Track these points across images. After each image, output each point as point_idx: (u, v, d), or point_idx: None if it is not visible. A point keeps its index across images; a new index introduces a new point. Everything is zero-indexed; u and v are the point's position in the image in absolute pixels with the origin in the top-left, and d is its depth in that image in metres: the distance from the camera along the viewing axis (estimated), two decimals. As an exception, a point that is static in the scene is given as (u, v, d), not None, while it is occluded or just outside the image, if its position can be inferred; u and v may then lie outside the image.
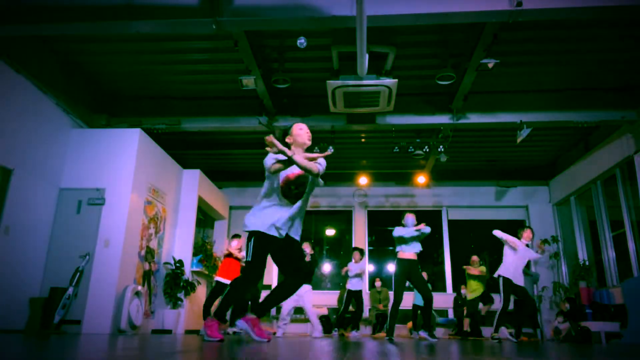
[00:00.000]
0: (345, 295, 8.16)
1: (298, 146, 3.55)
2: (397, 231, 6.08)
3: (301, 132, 3.60)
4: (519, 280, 6.33)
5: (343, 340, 5.55)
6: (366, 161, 10.20)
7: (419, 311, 7.89)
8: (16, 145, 5.92)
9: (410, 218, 6.20)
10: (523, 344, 5.19)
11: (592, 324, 7.46)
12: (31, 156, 6.19)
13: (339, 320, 8.39)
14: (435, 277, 10.47)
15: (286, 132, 3.65)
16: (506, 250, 6.47)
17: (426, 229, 6.07)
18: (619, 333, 7.05)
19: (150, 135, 7.52)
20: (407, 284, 6.16)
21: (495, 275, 6.46)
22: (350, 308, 8.50)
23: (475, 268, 8.59)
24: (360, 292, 8.07)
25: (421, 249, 6.11)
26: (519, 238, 6.48)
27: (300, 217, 3.54)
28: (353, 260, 8.18)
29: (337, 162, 10.02)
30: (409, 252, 6.01)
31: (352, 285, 8.03)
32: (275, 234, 3.38)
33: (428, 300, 5.99)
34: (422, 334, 6.55)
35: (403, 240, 6.05)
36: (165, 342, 3.51)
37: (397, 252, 6.10)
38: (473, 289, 8.55)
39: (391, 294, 6.46)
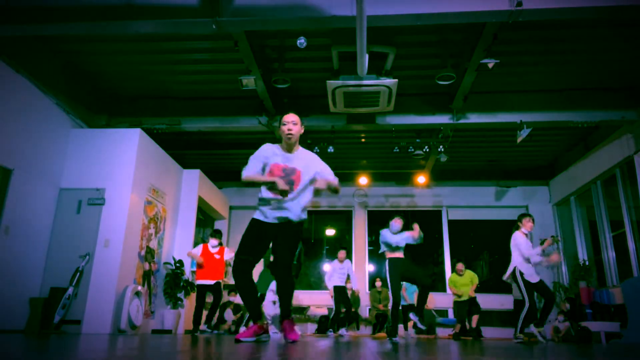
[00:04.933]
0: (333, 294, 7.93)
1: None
2: (385, 236, 5.71)
3: (283, 127, 3.60)
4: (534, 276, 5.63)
5: (340, 340, 5.55)
6: (366, 161, 10.20)
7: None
8: (16, 145, 5.92)
9: (396, 224, 5.75)
10: (523, 344, 5.18)
11: (592, 324, 7.46)
12: (31, 156, 6.19)
13: (334, 321, 8.27)
14: (435, 277, 10.47)
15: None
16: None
17: (414, 235, 5.64)
18: (619, 333, 7.05)
19: (150, 135, 7.52)
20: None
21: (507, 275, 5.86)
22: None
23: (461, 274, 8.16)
24: (343, 287, 7.79)
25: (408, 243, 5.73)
26: (519, 227, 5.80)
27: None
28: (337, 260, 7.97)
29: (337, 162, 10.02)
30: (397, 253, 5.70)
31: (334, 281, 7.83)
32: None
33: (425, 286, 5.67)
34: (413, 317, 5.90)
35: (388, 245, 5.69)
36: (165, 342, 3.51)
37: (384, 252, 5.76)
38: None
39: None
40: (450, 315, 9.72)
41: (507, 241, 5.85)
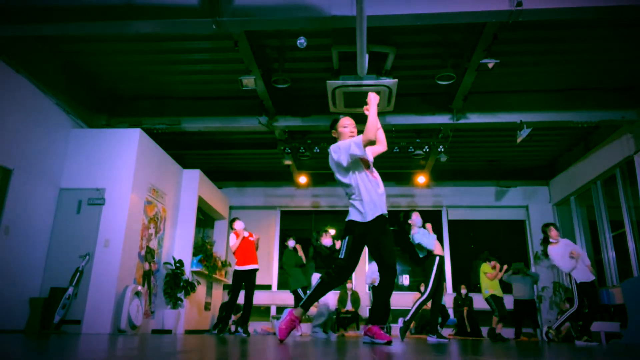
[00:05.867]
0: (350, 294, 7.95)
1: None
2: (421, 237, 5.70)
3: (345, 130, 3.55)
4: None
5: (343, 340, 5.55)
6: (366, 161, 10.19)
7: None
8: (16, 145, 5.92)
9: (417, 218, 5.82)
10: (523, 344, 5.19)
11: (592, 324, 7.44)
12: (31, 156, 6.19)
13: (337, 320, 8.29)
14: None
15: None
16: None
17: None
18: (619, 333, 7.05)
19: (150, 135, 7.52)
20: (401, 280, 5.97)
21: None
22: (351, 308, 8.46)
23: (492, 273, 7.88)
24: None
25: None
26: (548, 239, 6.12)
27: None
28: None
29: (337, 162, 10.00)
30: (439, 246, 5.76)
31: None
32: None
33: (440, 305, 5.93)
34: (430, 339, 5.83)
35: (420, 247, 5.72)
36: (165, 342, 3.51)
37: (432, 249, 5.68)
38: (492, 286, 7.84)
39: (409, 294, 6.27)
40: (451, 315, 9.71)
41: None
